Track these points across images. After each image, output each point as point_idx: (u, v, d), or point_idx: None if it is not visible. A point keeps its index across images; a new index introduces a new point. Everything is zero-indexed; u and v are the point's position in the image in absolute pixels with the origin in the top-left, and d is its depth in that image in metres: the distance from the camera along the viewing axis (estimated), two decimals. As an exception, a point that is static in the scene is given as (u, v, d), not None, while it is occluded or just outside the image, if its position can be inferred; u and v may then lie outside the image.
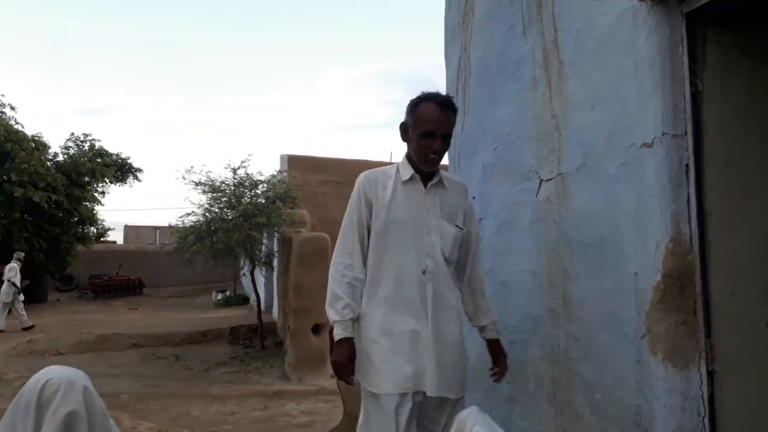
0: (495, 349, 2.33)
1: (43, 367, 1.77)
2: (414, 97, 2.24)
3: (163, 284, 20.75)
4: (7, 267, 12.19)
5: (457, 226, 2.25)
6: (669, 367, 1.79)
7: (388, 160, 10.19)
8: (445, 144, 2.18)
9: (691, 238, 1.84)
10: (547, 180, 2.45)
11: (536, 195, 2.50)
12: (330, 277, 2.20)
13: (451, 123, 2.20)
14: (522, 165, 2.60)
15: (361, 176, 2.26)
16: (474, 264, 2.35)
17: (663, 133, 1.87)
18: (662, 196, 1.86)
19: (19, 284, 12.14)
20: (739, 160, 1.88)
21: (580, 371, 2.19)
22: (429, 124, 2.14)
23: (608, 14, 2.10)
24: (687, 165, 1.86)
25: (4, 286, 11.96)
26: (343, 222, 2.25)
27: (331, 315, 2.15)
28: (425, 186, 2.24)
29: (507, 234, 2.69)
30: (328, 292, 2.18)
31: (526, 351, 2.51)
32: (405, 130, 2.25)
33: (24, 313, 11.95)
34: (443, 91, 2.31)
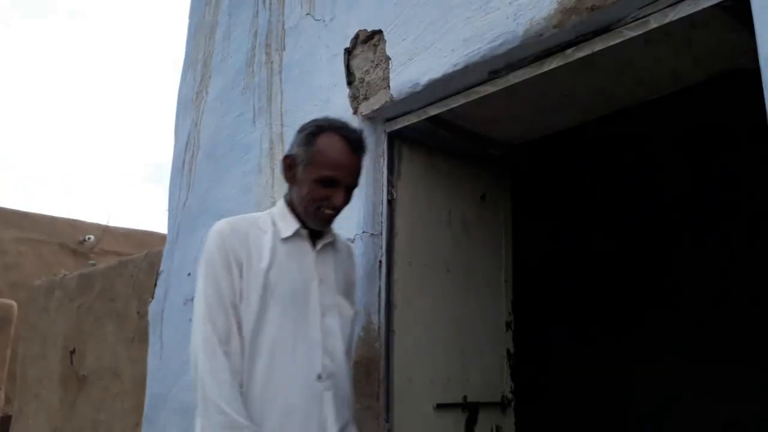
0: None
1: None
2: (309, 121, 1.60)
3: None
4: None
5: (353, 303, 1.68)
6: (352, 451, 1.91)
7: (105, 224, 9.29)
8: (347, 197, 1.55)
9: (379, 328, 2.05)
10: (262, 264, 2.51)
11: (250, 278, 2.54)
12: (206, 390, 1.38)
13: (359, 170, 1.57)
14: (239, 247, 2.63)
15: (222, 226, 1.52)
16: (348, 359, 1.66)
17: (363, 232, 2.10)
18: (359, 289, 2.05)
19: None
20: (419, 259, 2.19)
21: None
22: (331, 168, 1.49)
23: (327, 119, 2.33)
24: (380, 261, 2.10)
25: None
26: (200, 300, 1.47)
27: None
28: (314, 245, 1.59)
29: (217, 315, 2.64)
30: (213, 418, 1.37)
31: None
32: (291, 167, 1.56)
33: None
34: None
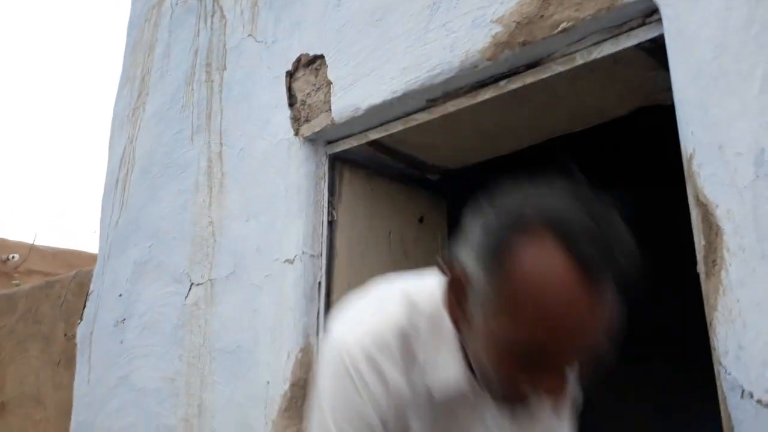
0: None
1: None
2: (496, 194, 0.77)
3: None
4: None
5: None
6: (287, 475, 1.90)
7: (32, 242, 8.77)
8: (584, 357, 0.73)
9: (317, 350, 2.05)
10: (198, 284, 2.47)
11: (185, 298, 2.49)
12: None
13: (604, 317, 0.70)
14: (174, 266, 2.58)
15: (354, 355, 0.82)
16: None
17: (303, 252, 2.11)
18: (297, 309, 2.06)
19: None
20: (359, 280, 2.21)
21: (208, 484, 2.15)
22: (537, 328, 0.69)
23: (267, 140, 2.34)
24: (320, 282, 2.11)
25: None
26: None
27: None
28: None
29: (150, 337, 2.57)
30: None
31: (155, 466, 2.36)
32: (458, 291, 0.79)
33: None
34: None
